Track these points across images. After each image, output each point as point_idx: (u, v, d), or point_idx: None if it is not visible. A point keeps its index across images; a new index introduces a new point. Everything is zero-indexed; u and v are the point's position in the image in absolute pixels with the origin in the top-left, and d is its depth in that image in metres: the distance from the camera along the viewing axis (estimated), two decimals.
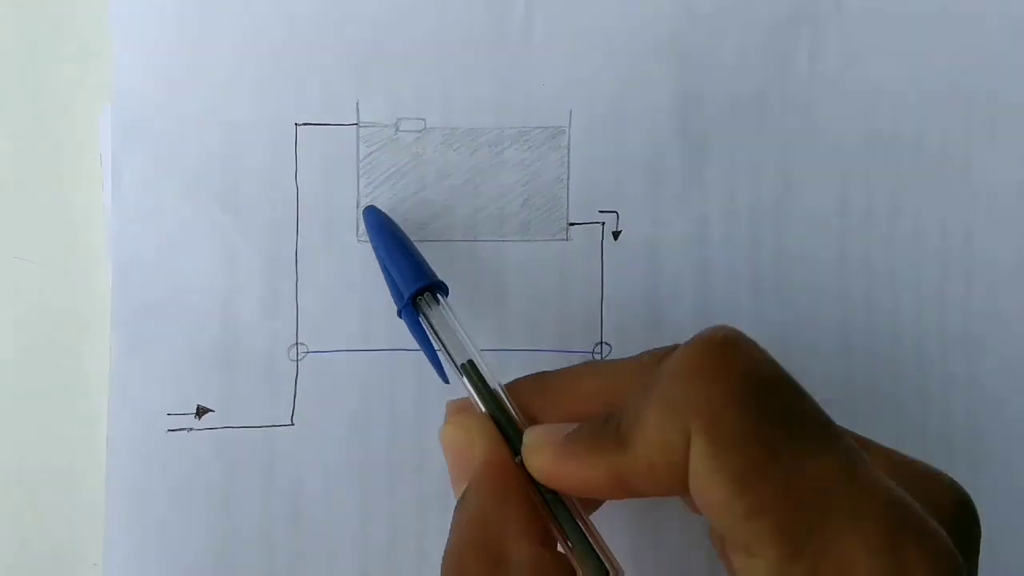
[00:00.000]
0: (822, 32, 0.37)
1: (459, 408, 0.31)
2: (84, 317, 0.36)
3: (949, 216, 0.37)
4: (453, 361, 0.31)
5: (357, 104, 0.36)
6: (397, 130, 0.36)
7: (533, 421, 0.29)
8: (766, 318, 0.36)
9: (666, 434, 0.25)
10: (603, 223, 0.36)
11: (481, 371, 0.30)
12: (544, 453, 0.28)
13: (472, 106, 0.36)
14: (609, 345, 0.36)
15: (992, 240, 0.37)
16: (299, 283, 0.36)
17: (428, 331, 0.32)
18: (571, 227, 0.36)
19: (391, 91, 0.36)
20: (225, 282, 0.36)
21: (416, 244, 0.36)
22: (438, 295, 0.32)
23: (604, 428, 0.26)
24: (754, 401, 0.24)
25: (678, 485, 0.25)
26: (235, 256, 0.36)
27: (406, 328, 0.36)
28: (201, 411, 0.35)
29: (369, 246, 0.36)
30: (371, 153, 0.36)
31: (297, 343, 0.36)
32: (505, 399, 0.30)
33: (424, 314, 0.32)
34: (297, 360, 0.36)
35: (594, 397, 0.29)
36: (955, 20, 0.37)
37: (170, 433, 0.35)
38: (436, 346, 0.32)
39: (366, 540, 0.35)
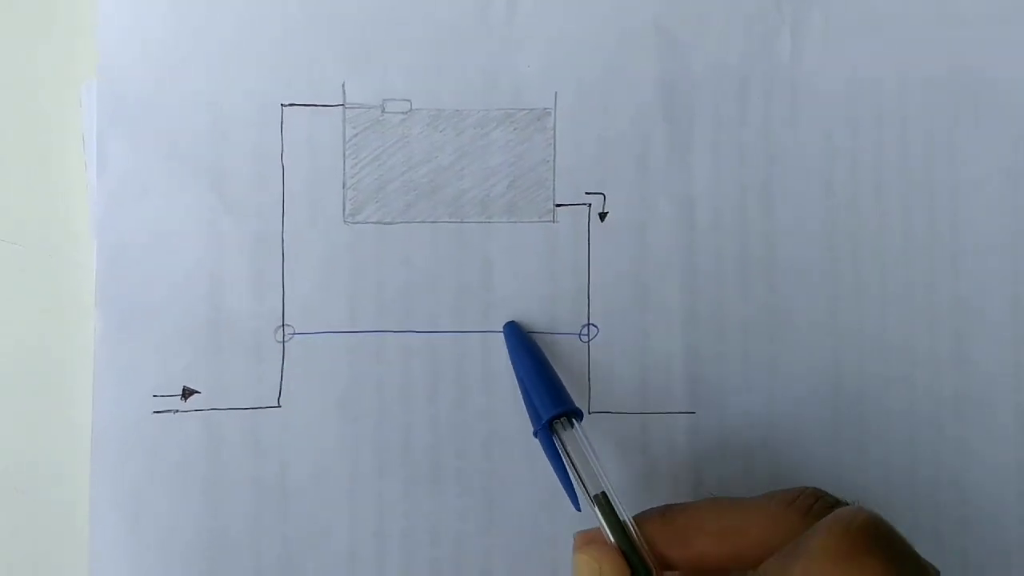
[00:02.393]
0: (805, 15, 0.37)
1: (588, 539, 0.32)
2: (69, 298, 0.36)
3: (935, 196, 0.37)
4: (586, 490, 0.32)
5: (343, 85, 0.36)
6: (383, 111, 0.36)
7: (659, 555, 0.31)
8: (753, 300, 0.36)
9: None
10: (589, 205, 0.36)
11: (613, 503, 0.31)
12: None
13: (458, 88, 0.36)
14: (596, 327, 0.36)
15: (978, 219, 0.37)
16: (285, 264, 0.36)
17: (563, 456, 0.33)
18: (557, 209, 0.36)
19: (377, 73, 0.36)
20: (211, 263, 0.36)
21: (402, 226, 0.36)
22: (574, 420, 0.33)
23: None
24: None
25: None
26: (221, 237, 0.36)
27: (393, 310, 0.36)
28: (187, 392, 0.35)
29: (356, 227, 0.36)
30: (357, 134, 0.36)
31: (283, 324, 0.36)
32: (634, 533, 0.31)
33: (560, 438, 0.33)
34: (284, 341, 0.36)
35: (719, 536, 0.30)
36: (937, 3, 0.37)
37: (156, 415, 0.35)
38: (570, 472, 0.32)
39: (354, 522, 0.35)
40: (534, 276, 0.36)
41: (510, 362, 0.35)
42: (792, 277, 0.36)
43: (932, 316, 0.36)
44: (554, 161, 0.36)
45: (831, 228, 0.37)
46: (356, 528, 0.35)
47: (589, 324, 0.36)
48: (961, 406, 0.36)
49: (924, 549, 0.36)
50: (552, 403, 0.33)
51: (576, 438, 0.33)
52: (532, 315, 0.36)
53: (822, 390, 0.36)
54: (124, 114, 0.36)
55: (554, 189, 0.36)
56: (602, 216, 0.36)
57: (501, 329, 0.36)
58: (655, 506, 0.31)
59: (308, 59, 0.36)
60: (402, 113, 0.36)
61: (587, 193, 0.36)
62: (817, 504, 0.29)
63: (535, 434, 0.33)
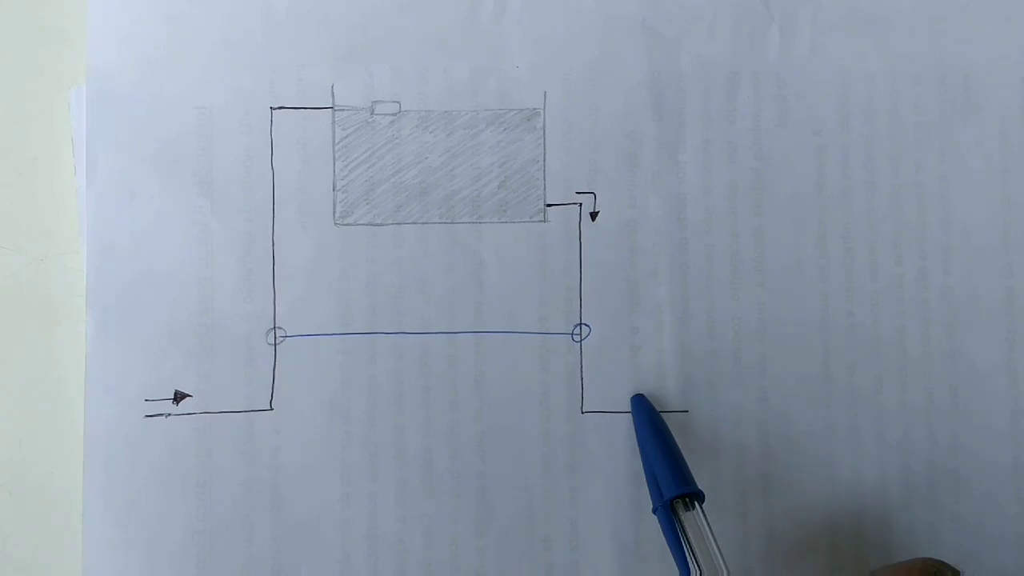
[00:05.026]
0: (793, 12, 0.37)
1: None
2: (59, 303, 0.36)
3: (926, 192, 0.37)
4: (701, 572, 0.32)
5: (332, 88, 0.36)
6: (372, 113, 0.36)
7: None
8: (744, 298, 0.36)
9: None
10: (580, 204, 0.36)
11: None
12: None
13: (447, 89, 0.36)
14: (588, 326, 0.36)
15: (969, 214, 0.37)
16: (276, 267, 0.36)
17: (682, 537, 0.32)
18: (548, 208, 0.36)
19: (366, 75, 0.36)
20: (202, 266, 0.36)
21: (393, 227, 0.36)
22: (696, 502, 0.33)
23: None
24: None
25: None
26: (211, 240, 0.36)
27: (384, 312, 0.36)
28: (179, 396, 0.35)
29: (347, 229, 0.36)
30: (346, 136, 0.36)
31: (275, 327, 0.36)
32: None
33: (680, 519, 0.33)
34: (275, 344, 0.36)
35: None
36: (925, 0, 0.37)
37: (148, 419, 0.35)
38: (687, 554, 0.32)
39: (346, 524, 0.35)
40: (526, 276, 0.36)
41: (635, 435, 0.35)
42: (783, 274, 0.36)
43: (924, 311, 0.36)
44: (544, 161, 0.36)
45: (821, 224, 0.36)
46: (349, 530, 0.35)
47: (581, 323, 0.36)
48: (955, 400, 0.36)
49: (920, 544, 0.36)
50: (675, 483, 0.33)
51: (696, 520, 0.33)
52: (524, 315, 0.36)
53: (814, 387, 0.36)
54: (113, 119, 0.36)
55: (545, 189, 0.36)
56: (593, 215, 0.36)
57: (495, 330, 0.36)
58: None
59: (296, 62, 0.36)
60: (391, 115, 0.36)
61: (578, 192, 0.36)
62: None
63: (654, 511, 0.33)
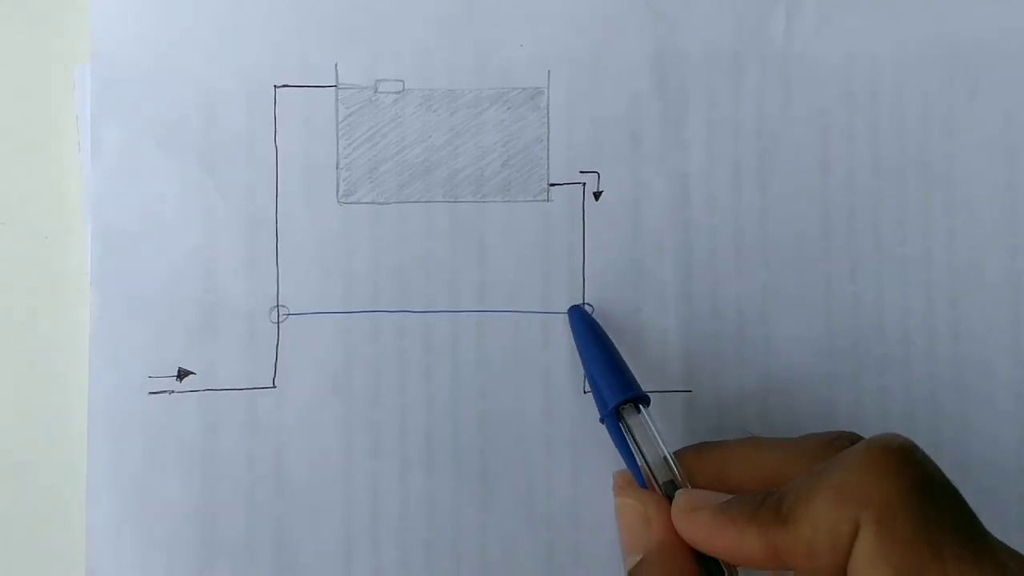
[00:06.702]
0: None
1: (630, 480, 0.33)
2: (64, 281, 0.36)
3: (930, 175, 0.37)
4: (654, 477, 0.32)
5: (336, 66, 0.36)
6: (376, 92, 0.36)
7: (694, 486, 0.32)
8: (748, 278, 0.36)
9: (834, 520, 0.26)
10: (584, 183, 0.36)
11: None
12: (700, 517, 0.29)
13: (450, 67, 0.36)
14: (591, 306, 0.36)
15: (973, 197, 0.37)
16: (279, 245, 0.36)
17: (631, 444, 0.33)
18: (552, 188, 0.36)
19: (370, 53, 0.36)
20: (205, 245, 0.36)
21: (396, 206, 0.36)
22: (640, 406, 0.33)
23: (764, 502, 0.28)
24: (926, 505, 0.26)
25: (834, 569, 0.26)
26: (215, 218, 0.36)
27: (387, 290, 0.36)
28: (182, 373, 0.35)
29: (350, 208, 0.36)
30: (350, 115, 0.36)
31: (278, 305, 0.36)
32: None
33: (627, 425, 0.33)
34: (278, 322, 0.36)
35: (755, 473, 0.31)
36: None
37: (151, 396, 0.35)
38: (638, 460, 0.32)
39: (349, 501, 0.35)
40: (529, 255, 0.36)
41: (575, 346, 0.35)
42: (787, 254, 0.36)
43: (928, 292, 0.36)
44: (548, 140, 0.36)
45: (825, 205, 0.36)
46: (351, 508, 0.35)
47: (584, 303, 0.36)
48: (959, 383, 0.36)
49: None
50: (618, 389, 0.33)
51: (643, 423, 0.33)
52: (526, 294, 0.36)
53: (817, 367, 0.36)
54: (117, 97, 0.36)
55: (548, 168, 0.36)
56: (596, 195, 0.36)
57: (498, 309, 0.36)
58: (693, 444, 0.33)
59: (300, 40, 0.36)
60: (395, 93, 0.36)
61: (581, 172, 0.36)
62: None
63: (601, 420, 0.33)
